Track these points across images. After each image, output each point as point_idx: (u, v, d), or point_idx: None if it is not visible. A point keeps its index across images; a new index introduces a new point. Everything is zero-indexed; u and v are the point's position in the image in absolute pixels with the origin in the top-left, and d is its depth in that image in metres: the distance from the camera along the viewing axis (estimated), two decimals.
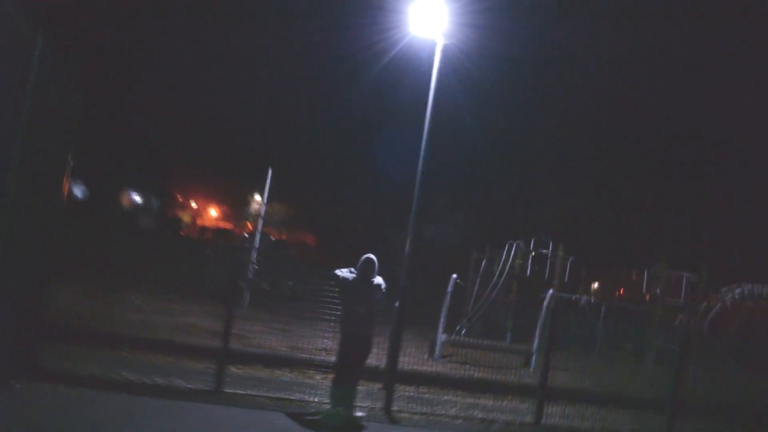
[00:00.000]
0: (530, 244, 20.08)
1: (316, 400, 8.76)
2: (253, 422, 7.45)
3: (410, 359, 12.14)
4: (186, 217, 48.75)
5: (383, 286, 8.43)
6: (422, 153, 10.42)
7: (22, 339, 7.80)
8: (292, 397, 8.79)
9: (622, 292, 39.04)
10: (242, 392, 8.54)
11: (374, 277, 8.36)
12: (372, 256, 8.42)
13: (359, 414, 8.37)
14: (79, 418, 6.71)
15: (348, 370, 8.23)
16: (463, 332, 17.32)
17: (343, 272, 8.40)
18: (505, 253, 19.04)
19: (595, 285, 41.24)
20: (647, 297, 23.99)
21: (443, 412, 9.29)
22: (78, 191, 44.89)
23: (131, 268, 19.08)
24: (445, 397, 10.26)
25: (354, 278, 8.33)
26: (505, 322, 18.77)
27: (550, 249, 20.18)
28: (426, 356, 14.05)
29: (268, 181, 18.89)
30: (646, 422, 10.48)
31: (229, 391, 8.50)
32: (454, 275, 14.95)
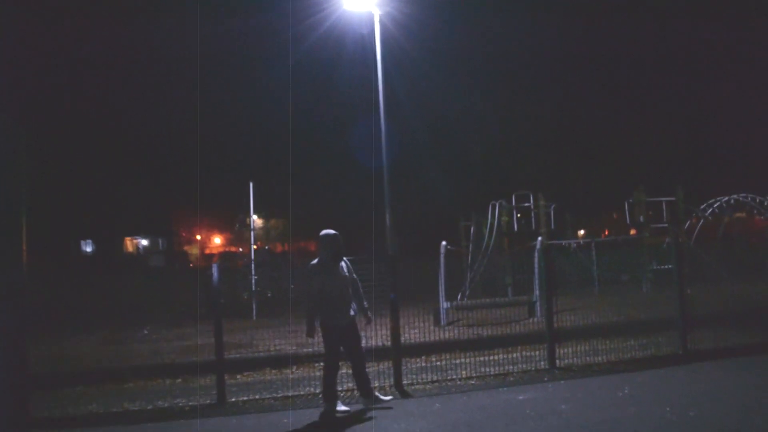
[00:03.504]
0: (512, 200, 19.18)
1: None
2: (254, 427, 6.51)
3: (417, 332, 11.24)
4: (194, 250, 47.75)
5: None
6: (383, 127, 9.50)
7: (10, 392, 6.90)
8: (301, 393, 7.86)
9: (606, 233, 38.23)
10: (246, 399, 7.60)
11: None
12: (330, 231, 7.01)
13: (383, 397, 7.22)
14: None
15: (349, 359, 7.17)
16: (465, 296, 16.46)
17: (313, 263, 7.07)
18: (490, 215, 18.13)
19: (582, 232, 40.40)
20: (633, 231, 23.12)
21: (455, 376, 8.36)
22: (87, 246, 44.13)
23: (144, 306, 18.23)
24: (456, 361, 9.30)
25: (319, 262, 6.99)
26: (504, 278, 17.84)
27: (531, 201, 19.28)
28: (432, 326, 13.12)
29: (251, 195, 18.00)
30: (659, 342, 9.59)
31: (233, 400, 7.56)
32: (444, 242, 14.01)
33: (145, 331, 14.64)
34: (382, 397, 7.12)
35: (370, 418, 6.64)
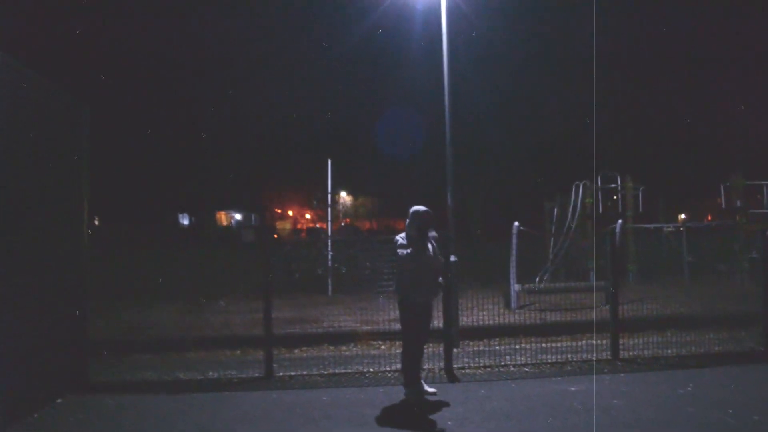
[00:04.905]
0: (597, 181, 18.29)
1: (371, 370, 7.79)
2: (292, 402, 6.49)
3: (486, 314, 10.94)
4: (286, 225, 48.94)
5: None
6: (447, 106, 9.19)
7: (69, 356, 7.21)
8: (349, 371, 7.81)
9: (709, 218, 36.04)
10: (294, 374, 7.63)
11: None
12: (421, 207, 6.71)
13: (428, 389, 6.79)
14: (116, 424, 5.98)
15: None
16: (545, 280, 15.91)
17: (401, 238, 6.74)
18: (573, 195, 17.37)
19: (682, 216, 38.34)
20: (738, 217, 21.55)
21: (510, 362, 8.05)
22: (183, 219, 46.15)
23: (227, 278, 18.79)
24: (516, 347, 8.99)
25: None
26: (586, 262, 17.09)
27: (618, 182, 18.33)
28: (501, 309, 12.73)
29: (329, 172, 18.12)
30: (741, 337, 8.87)
31: (280, 374, 7.61)
32: (516, 223, 13.52)
33: (222, 303, 15.04)
34: (427, 388, 6.76)
35: (407, 402, 6.48)
